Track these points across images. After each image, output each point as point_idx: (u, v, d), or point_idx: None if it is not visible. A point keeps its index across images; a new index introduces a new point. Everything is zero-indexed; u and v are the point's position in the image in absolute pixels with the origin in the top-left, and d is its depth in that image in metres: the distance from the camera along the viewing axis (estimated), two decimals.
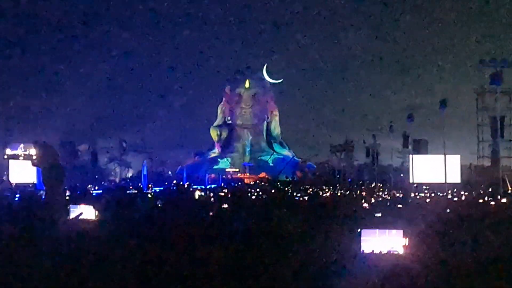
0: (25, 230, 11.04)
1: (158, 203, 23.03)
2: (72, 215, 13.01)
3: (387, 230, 9.75)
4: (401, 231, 9.76)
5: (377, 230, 9.79)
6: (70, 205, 13.22)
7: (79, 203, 13.47)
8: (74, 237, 10.88)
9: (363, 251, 9.72)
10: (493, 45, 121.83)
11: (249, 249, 10.71)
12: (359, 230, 9.96)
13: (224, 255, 10.25)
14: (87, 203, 13.58)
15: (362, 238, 9.72)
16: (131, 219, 13.30)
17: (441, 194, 44.61)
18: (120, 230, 11.56)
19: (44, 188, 12.70)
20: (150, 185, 49.79)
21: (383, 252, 9.71)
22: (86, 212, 13.18)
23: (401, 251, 9.69)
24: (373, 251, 9.70)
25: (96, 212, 13.31)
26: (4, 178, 53.55)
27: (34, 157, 13.28)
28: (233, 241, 11.23)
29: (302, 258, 10.36)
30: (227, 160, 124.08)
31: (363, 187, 64.19)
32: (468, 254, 9.98)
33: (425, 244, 10.25)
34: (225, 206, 23.95)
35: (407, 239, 9.75)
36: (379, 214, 17.64)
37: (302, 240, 11.64)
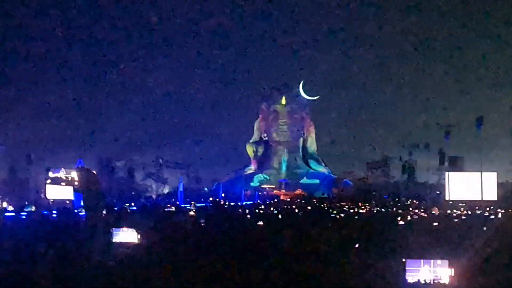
0: (66, 255, 11.09)
1: (201, 221, 23.08)
2: (115, 238, 13.00)
3: (432, 261, 9.55)
4: (446, 261, 9.56)
5: (422, 260, 9.60)
6: (113, 229, 13.19)
7: (121, 226, 13.44)
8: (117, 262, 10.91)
9: (407, 281, 9.55)
10: None
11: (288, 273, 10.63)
12: (403, 260, 9.78)
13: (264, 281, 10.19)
14: (128, 226, 13.55)
15: (407, 269, 9.55)
16: (174, 241, 13.28)
17: (478, 212, 43.98)
18: (163, 255, 11.52)
19: (86, 213, 12.76)
20: (193, 202, 49.88)
21: (427, 282, 9.52)
22: (128, 235, 13.16)
23: (446, 280, 9.49)
24: (418, 280, 9.51)
25: (139, 235, 13.27)
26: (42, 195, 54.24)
27: (76, 183, 13.37)
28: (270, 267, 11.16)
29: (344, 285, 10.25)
30: (263, 176, 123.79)
31: (399, 204, 63.66)
32: None
33: (471, 274, 10.03)
34: (261, 223, 23.97)
35: (453, 269, 9.54)
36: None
37: (342, 265, 11.51)
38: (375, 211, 45.56)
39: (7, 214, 28.67)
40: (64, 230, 15.08)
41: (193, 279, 9.97)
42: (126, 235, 13.18)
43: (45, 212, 28.29)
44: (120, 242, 12.99)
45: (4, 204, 46.76)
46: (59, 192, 46.04)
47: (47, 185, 50.79)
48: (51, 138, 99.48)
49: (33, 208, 35.05)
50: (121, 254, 12.08)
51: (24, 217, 24.84)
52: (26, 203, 50.53)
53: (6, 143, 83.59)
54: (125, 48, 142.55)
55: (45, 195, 58.05)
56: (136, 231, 13.31)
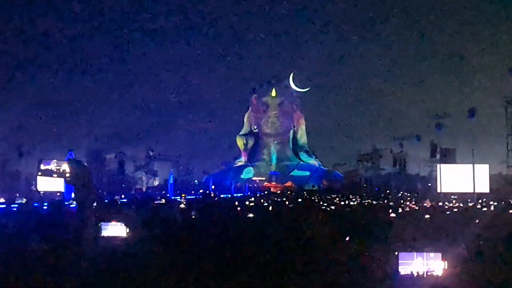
0: (57, 248, 11.05)
1: (192, 214, 23.06)
2: (104, 232, 12.98)
3: (425, 254, 9.55)
4: (439, 254, 9.56)
5: (415, 253, 9.60)
6: (102, 223, 13.17)
7: (110, 220, 13.40)
8: (105, 256, 10.88)
9: (400, 273, 9.55)
10: None
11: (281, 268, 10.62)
12: (396, 253, 9.78)
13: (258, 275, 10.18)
14: (117, 220, 13.52)
15: (399, 261, 9.54)
16: (164, 235, 13.27)
17: (470, 204, 44.04)
18: (152, 249, 11.50)
19: (76, 206, 12.71)
20: (183, 195, 49.86)
21: (420, 274, 9.52)
22: (117, 229, 13.14)
23: (439, 273, 9.49)
24: (411, 272, 9.51)
25: (127, 229, 13.24)
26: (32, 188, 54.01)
27: (68, 175, 13.29)
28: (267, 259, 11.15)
29: (335, 276, 10.24)
30: (252, 169, 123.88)
31: (390, 196, 63.77)
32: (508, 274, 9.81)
33: (464, 266, 10.04)
34: (251, 215, 23.98)
35: (446, 262, 9.54)
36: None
37: (334, 255, 11.52)
38: (365, 204, 45.59)
39: None
40: (54, 222, 15.05)
41: (182, 273, 9.94)
42: (115, 229, 13.15)
43: (36, 204, 28.22)
44: (109, 236, 12.97)
45: None
46: (50, 184, 45.95)
47: (38, 177, 50.75)
48: (42, 130, 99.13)
49: (24, 200, 34.96)
50: (109, 247, 12.05)
51: (15, 209, 24.79)
52: (17, 195, 50.47)
53: None
54: (116, 41, 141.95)
55: (36, 187, 57.95)
56: (125, 225, 13.28)
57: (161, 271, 10.03)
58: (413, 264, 9.56)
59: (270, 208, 33.46)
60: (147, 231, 13.93)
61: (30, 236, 11.98)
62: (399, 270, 9.55)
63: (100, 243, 12.30)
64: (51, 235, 12.26)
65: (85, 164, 13.82)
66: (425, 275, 9.50)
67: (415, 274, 9.51)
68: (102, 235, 12.93)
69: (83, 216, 12.17)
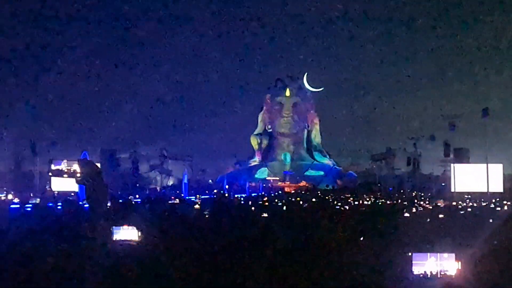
0: (62, 252, 11.03)
1: (205, 213, 23.03)
2: (116, 236, 12.91)
3: (438, 254, 9.48)
4: (453, 255, 9.48)
5: (429, 253, 9.53)
6: (113, 227, 13.09)
7: (121, 224, 13.32)
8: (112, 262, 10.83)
9: (413, 272, 9.48)
10: None
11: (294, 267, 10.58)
12: (409, 253, 9.70)
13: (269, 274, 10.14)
14: (129, 224, 13.44)
15: (413, 262, 9.48)
16: (177, 240, 13.20)
17: (484, 204, 43.80)
18: (162, 255, 11.42)
19: (88, 206, 12.69)
20: (198, 196, 49.96)
21: (433, 273, 9.46)
22: (129, 233, 13.08)
23: (453, 273, 9.42)
24: (425, 272, 9.45)
25: (139, 233, 13.17)
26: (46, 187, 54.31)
27: (79, 175, 13.26)
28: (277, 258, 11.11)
29: (349, 277, 10.19)
30: (266, 169, 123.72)
31: (404, 196, 63.58)
32: None
33: (478, 267, 9.95)
34: (265, 215, 23.92)
35: (460, 262, 9.47)
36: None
37: (349, 257, 11.46)
38: (379, 203, 45.42)
39: (12, 206, 28.73)
40: (65, 224, 15.04)
41: (195, 275, 9.91)
42: (127, 233, 13.10)
43: (50, 204, 28.31)
44: (120, 240, 12.92)
45: (10, 197, 46.86)
46: (64, 184, 46.13)
47: (51, 177, 50.94)
48: (57, 130, 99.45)
49: (38, 200, 35.09)
50: (117, 253, 12.00)
51: (28, 209, 24.86)
52: (31, 195, 50.69)
53: (11, 136, 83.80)
54: (129, 40, 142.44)
55: (50, 187, 58.20)
56: (137, 229, 13.21)
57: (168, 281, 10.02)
58: (426, 264, 9.49)
59: (284, 208, 33.37)
60: (160, 235, 13.85)
61: (35, 240, 11.94)
62: (412, 270, 9.48)
63: (110, 247, 12.23)
64: (59, 238, 12.22)
65: (96, 164, 13.78)
66: (438, 275, 9.42)
67: (429, 274, 9.43)
68: (113, 238, 12.86)
69: (94, 217, 12.15)
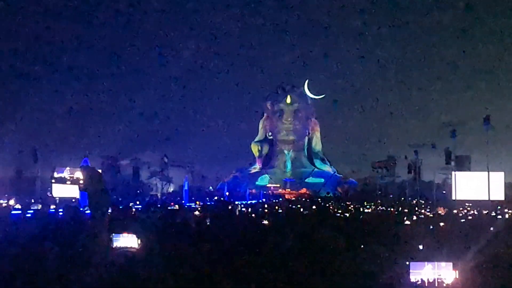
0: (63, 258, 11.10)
1: (207, 221, 23.08)
2: (115, 243, 12.96)
3: (436, 263, 9.53)
4: (450, 264, 9.53)
5: (426, 262, 9.58)
6: (113, 234, 13.14)
7: (121, 232, 13.37)
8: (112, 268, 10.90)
9: (410, 280, 9.54)
10: None
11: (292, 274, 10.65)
12: (407, 263, 9.75)
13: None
14: (129, 231, 13.49)
15: (410, 271, 9.53)
16: (177, 246, 13.25)
17: (485, 212, 43.81)
18: (161, 263, 11.48)
19: (90, 213, 12.75)
20: (198, 202, 50.06)
21: (430, 281, 9.51)
22: (129, 240, 13.13)
23: (450, 281, 9.48)
24: (421, 280, 9.49)
25: (139, 240, 13.22)
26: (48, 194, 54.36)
27: (81, 182, 13.30)
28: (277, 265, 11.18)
29: (347, 284, 10.26)
30: (267, 176, 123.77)
31: (404, 203, 63.59)
32: None
33: (475, 276, 10.01)
34: (265, 222, 24.00)
35: (457, 271, 9.52)
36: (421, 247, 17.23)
37: (347, 265, 11.52)
38: (380, 211, 45.47)
39: (13, 212, 28.82)
40: (66, 230, 15.10)
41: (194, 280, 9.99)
42: (126, 240, 13.15)
43: (52, 210, 28.42)
44: (120, 247, 12.98)
45: (11, 202, 46.92)
46: (65, 191, 46.25)
47: (53, 184, 51.07)
48: (58, 136, 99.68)
49: (39, 206, 35.19)
50: (120, 257, 12.06)
51: (30, 215, 24.96)
52: (33, 201, 50.76)
53: (13, 142, 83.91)
54: (130, 46, 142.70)
55: (51, 193, 58.26)
56: (136, 236, 13.26)
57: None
58: (423, 272, 9.54)
59: (285, 215, 33.45)
60: (160, 242, 13.90)
61: (36, 246, 12.03)
62: (410, 278, 9.55)
63: (109, 255, 12.28)
64: (60, 243, 12.29)
65: (99, 170, 13.83)
66: (435, 284, 9.48)
67: (426, 283, 9.50)
68: (113, 246, 12.91)
69: (96, 224, 12.22)
